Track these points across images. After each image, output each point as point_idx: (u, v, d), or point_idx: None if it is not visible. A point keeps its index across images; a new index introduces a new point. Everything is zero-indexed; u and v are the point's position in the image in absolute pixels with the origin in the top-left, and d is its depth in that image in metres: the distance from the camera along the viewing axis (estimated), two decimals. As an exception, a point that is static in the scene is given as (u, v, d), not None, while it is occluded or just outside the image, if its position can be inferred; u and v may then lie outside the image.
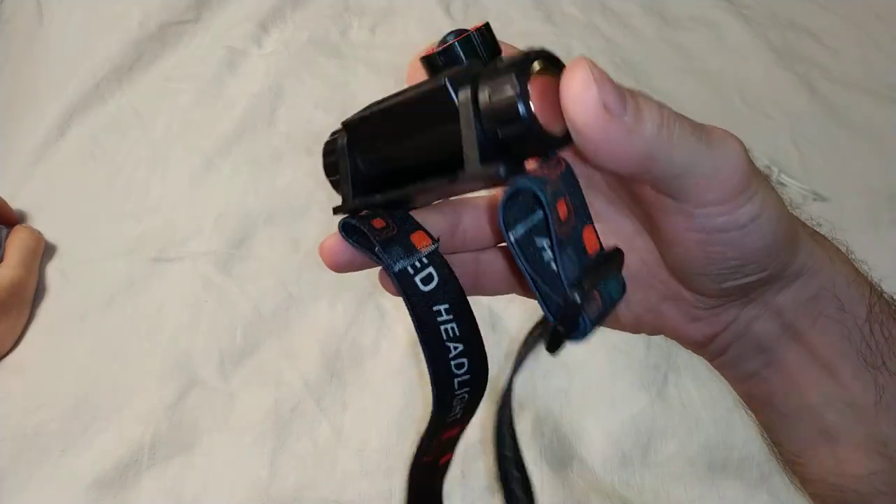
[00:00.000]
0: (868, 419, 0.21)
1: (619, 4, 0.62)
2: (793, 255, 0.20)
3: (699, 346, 0.24)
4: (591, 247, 0.19)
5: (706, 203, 0.18)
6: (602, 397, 0.39)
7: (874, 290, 0.22)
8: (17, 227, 0.43)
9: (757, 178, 0.18)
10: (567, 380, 0.39)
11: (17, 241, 0.42)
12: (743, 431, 0.37)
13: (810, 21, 0.61)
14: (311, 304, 0.41)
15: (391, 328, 0.41)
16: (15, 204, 0.46)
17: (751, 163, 0.19)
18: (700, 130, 0.17)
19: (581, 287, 0.18)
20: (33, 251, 0.42)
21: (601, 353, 0.40)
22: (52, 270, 0.44)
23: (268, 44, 0.58)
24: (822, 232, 0.24)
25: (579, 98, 0.15)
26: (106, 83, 0.54)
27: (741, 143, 0.19)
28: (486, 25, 0.20)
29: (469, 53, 0.19)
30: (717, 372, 0.40)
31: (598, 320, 0.19)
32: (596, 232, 0.19)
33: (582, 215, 0.18)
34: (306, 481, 0.35)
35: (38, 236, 0.43)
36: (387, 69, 0.56)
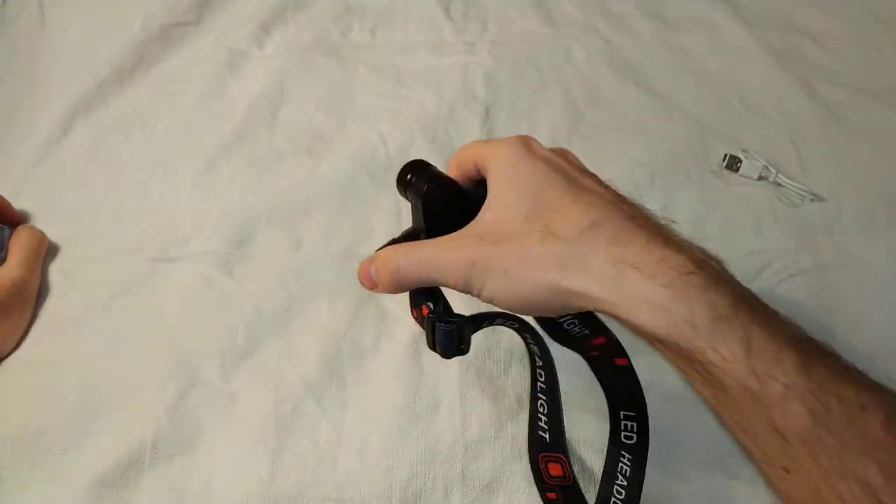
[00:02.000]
0: (722, 419, 0.24)
1: (618, 6, 0.62)
2: (575, 297, 0.24)
3: None
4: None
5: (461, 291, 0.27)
6: (601, 396, 0.39)
7: (674, 313, 0.23)
8: (20, 228, 0.44)
9: (476, 280, 0.26)
10: (566, 378, 0.39)
11: (19, 241, 0.42)
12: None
13: (810, 23, 0.61)
14: (312, 304, 0.42)
15: (391, 328, 0.41)
16: (17, 204, 0.46)
17: (468, 278, 0.26)
18: (425, 262, 0.27)
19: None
20: (36, 251, 0.43)
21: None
22: (54, 270, 0.44)
23: (269, 45, 0.58)
24: None
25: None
26: (108, 84, 0.54)
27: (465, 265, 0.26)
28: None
29: None
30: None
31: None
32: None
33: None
34: (307, 480, 0.35)
35: (40, 236, 0.44)
36: (387, 70, 0.56)
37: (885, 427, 0.20)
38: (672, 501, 0.36)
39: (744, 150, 0.50)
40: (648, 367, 0.39)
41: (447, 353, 0.29)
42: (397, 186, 0.31)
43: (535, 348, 0.32)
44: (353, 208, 0.47)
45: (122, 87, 0.54)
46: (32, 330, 0.41)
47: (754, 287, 0.44)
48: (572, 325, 0.31)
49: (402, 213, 0.47)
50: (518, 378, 0.39)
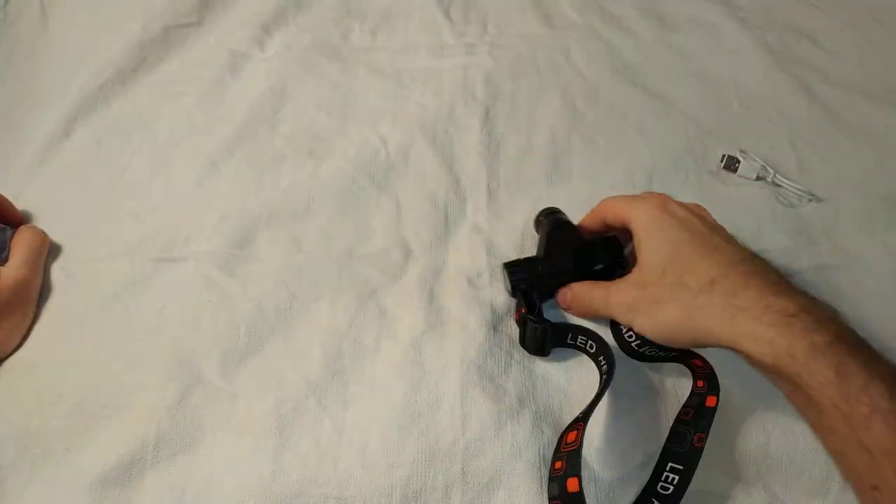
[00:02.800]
0: (819, 437, 0.29)
1: (617, 7, 0.63)
2: (700, 333, 0.32)
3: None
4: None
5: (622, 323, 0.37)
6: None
7: (777, 346, 0.29)
8: (22, 228, 0.44)
9: (631, 316, 0.35)
10: (566, 378, 0.39)
11: (21, 241, 0.42)
12: (740, 429, 0.37)
13: (808, 24, 0.62)
14: (313, 304, 0.42)
15: (392, 328, 0.41)
16: (19, 204, 0.46)
17: (627, 314, 0.36)
18: (603, 300, 0.38)
19: None
20: (38, 251, 0.43)
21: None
22: (56, 270, 0.44)
23: (270, 47, 0.59)
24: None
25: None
26: (110, 85, 0.54)
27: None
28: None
29: None
30: (714, 370, 0.40)
31: None
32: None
33: None
34: (308, 479, 0.35)
35: (42, 236, 0.44)
36: (388, 71, 0.57)
37: None
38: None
39: (742, 151, 0.50)
40: (650, 365, 0.40)
41: (530, 348, 0.39)
42: (534, 223, 0.45)
43: (605, 367, 0.38)
44: (354, 209, 0.47)
45: (124, 87, 0.55)
46: (34, 330, 0.41)
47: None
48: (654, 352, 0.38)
49: (401, 213, 0.47)
50: (518, 377, 0.39)
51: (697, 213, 0.36)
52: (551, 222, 0.42)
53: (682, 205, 0.36)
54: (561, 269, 0.41)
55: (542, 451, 0.36)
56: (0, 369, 0.39)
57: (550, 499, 0.34)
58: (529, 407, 0.38)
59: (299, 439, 0.37)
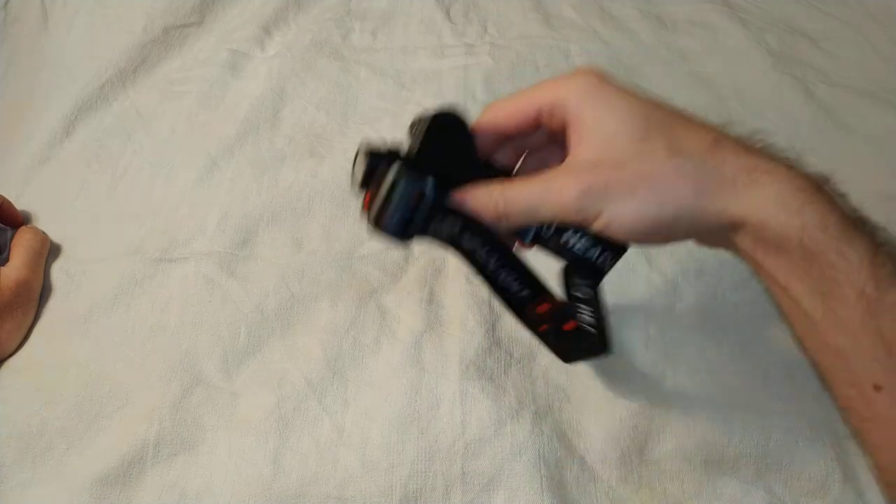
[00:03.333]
0: (820, 332, 0.24)
1: (617, 8, 0.63)
2: (709, 215, 0.25)
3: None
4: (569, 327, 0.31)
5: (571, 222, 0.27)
6: (600, 395, 0.39)
7: (807, 225, 0.24)
8: (23, 228, 0.44)
9: (592, 207, 0.25)
10: (566, 378, 0.39)
11: (22, 242, 0.42)
12: (740, 429, 0.37)
13: (808, 24, 0.62)
14: (313, 304, 0.42)
15: (392, 327, 0.41)
16: (20, 204, 0.46)
17: (583, 206, 0.26)
18: (532, 198, 0.27)
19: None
20: (38, 251, 0.43)
21: (600, 352, 0.40)
22: (57, 271, 0.44)
23: (270, 47, 0.59)
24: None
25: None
26: (110, 85, 0.54)
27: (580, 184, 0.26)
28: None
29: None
30: (714, 371, 0.40)
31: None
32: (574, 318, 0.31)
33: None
34: (308, 478, 0.35)
35: (42, 237, 0.44)
36: (388, 72, 0.57)
37: None
38: (671, 501, 0.36)
39: (742, 151, 0.50)
40: (650, 365, 0.40)
41: (387, 222, 0.28)
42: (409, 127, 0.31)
43: (479, 239, 0.30)
44: (355, 209, 0.47)
45: (125, 87, 0.55)
46: (35, 330, 0.41)
47: (753, 287, 0.44)
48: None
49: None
50: (518, 377, 0.39)
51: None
52: (437, 113, 0.29)
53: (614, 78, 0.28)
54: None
55: (541, 451, 0.36)
56: (0, 369, 0.39)
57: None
58: (529, 407, 0.38)
59: (299, 439, 0.37)
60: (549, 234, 0.30)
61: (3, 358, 0.40)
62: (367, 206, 0.28)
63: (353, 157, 0.30)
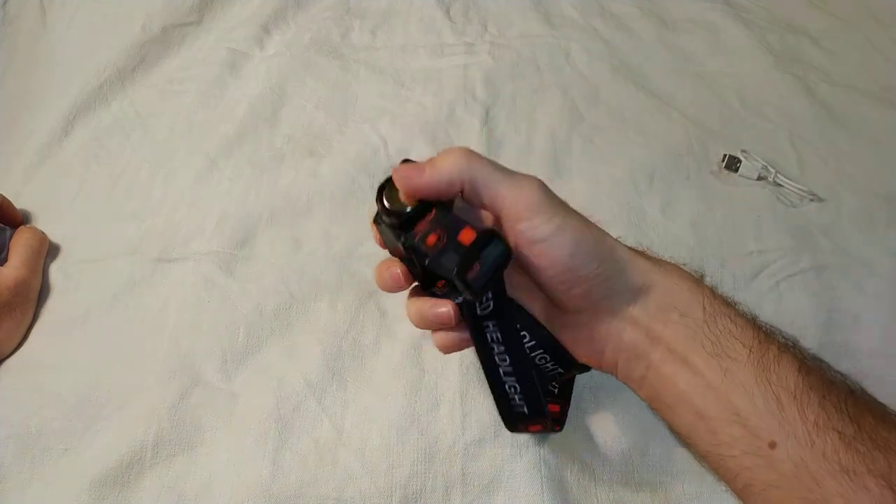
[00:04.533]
0: (721, 396, 0.27)
1: (617, 7, 0.62)
2: (615, 270, 0.28)
3: (601, 366, 0.31)
4: (467, 239, 0.27)
5: (518, 219, 0.28)
6: (601, 396, 0.39)
7: (706, 295, 0.28)
8: (21, 228, 0.44)
9: (555, 208, 0.28)
10: (566, 379, 0.39)
11: (21, 242, 0.42)
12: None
13: (809, 24, 0.62)
14: (313, 304, 0.42)
15: (391, 328, 0.41)
16: (19, 204, 0.46)
17: (549, 196, 0.28)
18: (505, 171, 0.29)
19: (461, 269, 0.26)
20: (37, 251, 0.43)
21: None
22: (56, 270, 0.44)
23: (270, 46, 0.58)
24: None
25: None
26: (109, 85, 0.54)
27: (540, 182, 0.28)
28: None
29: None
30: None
31: (487, 278, 0.27)
32: (472, 226, 0.27)
33: (455, 226, 0.27)
34: (308, 479, 0.35)
35: (41, 236, 0.44)
36: (387, 71, 0.56)
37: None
38: (672, 502, 0.36)
39: (743, 151, 0.50)
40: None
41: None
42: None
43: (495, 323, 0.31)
44: (354, 209, 0.47)
45: (124, 87, 0.55)
46: (34, 330, 0.41)
47: (753, 287, 0.44)
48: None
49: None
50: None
51: None
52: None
53: None
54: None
55: (542, 452, 0.36)
56: (0, 369, 0.39)
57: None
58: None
59: (298, 439, 0.37)
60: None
61: (2, 358, 0.40)
62: (431, 247, 0.28)
63: (380, 184, 0.31)
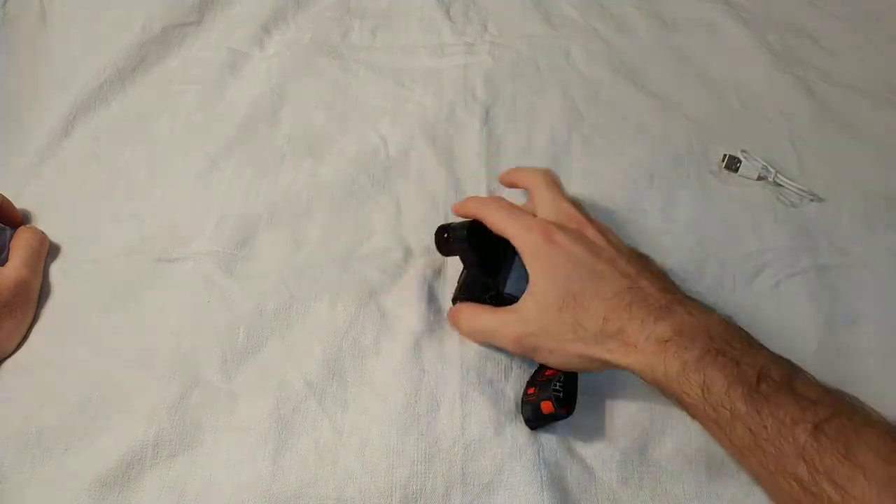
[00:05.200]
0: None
1: (617, 7, 0.62)
2: (602, 365, 0.35)
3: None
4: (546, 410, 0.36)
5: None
6: (601, 397, 0.39)
7: (661, 372, 0.32)
8: (22, 228, 0.44)
9: (527, 353, 0.38)
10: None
11: (21, 242, 0.42)
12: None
13: (809, 23, 0.62)
14: (313, 304, 0.42)
15: (391, 328, 0.41)
16: (18, 204, 0.46)
17: (519, 349, 0.38)
18: (485, 333, 0.40)
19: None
20: (37, 251, 0.43)
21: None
22: (55, 270, 0.44)
23: (270, 46, 0.58)
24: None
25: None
26: (109, 85, 0.54)
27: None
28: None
29: None
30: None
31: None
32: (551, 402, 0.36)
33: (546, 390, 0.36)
34: (308, 479, 0.35)
35: (41, 237, 0.44)
36: (387, 71, 0.56)
37: (812, 434, 0.27)
38: (672, 502, 0.36)
39: (743, 151, 0.50)
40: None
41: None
42: (439, 249, 0.41)
43: None
44: (354, 208, 0.47)
45: (124, 87, 0.55)
46: (34, 330, 0.41)
47: (753, 287, 0.44)
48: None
49: (401, 213, 0.47)
50: (517, 381, 0.39)
51: (580, 236, 0.37)
52: (461, 226, 0.40)
53: (565, 231, 0.37)
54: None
55: (541, 452, 0.36)
56: (0, 369, 0.39)
57: (525, 420, 0.37)
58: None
59: (299, 440, 0.37)
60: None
61: (2, 358, 0.40)
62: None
63: (439, 228, 0.41)
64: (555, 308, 0.35)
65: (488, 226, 0.39)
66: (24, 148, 0.51)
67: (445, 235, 0.40)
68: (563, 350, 0.35)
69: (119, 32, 0.57)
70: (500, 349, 0.40)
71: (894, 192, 0.49)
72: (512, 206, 0.39)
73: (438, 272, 0.44)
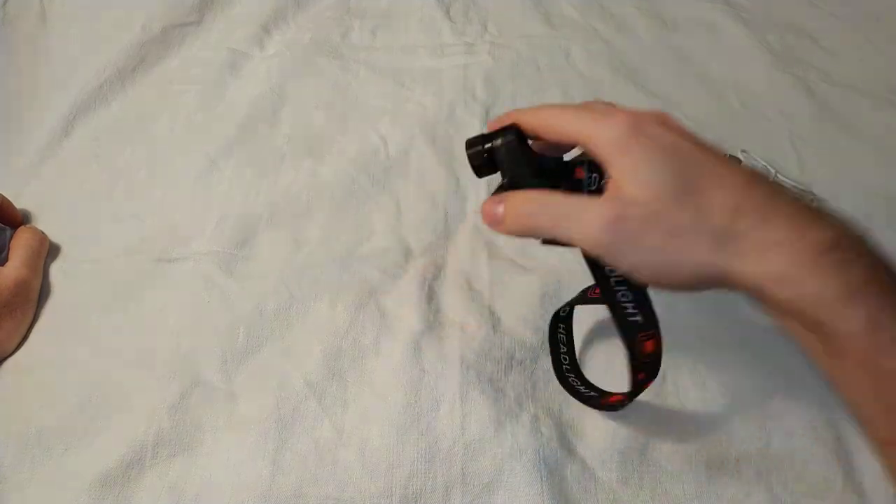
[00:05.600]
0: (835, 384, 0.26)
1: (617, 7, 0.62)
2: (726, 278, 0.26)
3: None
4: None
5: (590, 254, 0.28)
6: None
7: (809, 287, 0.25)
8: (22, 228, 0.44)
9: (618, 250, 0.27)
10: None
11: (21, 242, 0.42)
12: (740, 430, 0.37)
13: (809, 23, 0.62)
14: (312, 304, 0.42)
15: (391, 328, 0.41)
16: (18, 204, 0.46)
17: (608, 244, 0.27)
18: (562, 214, 0.28)
19: None
20: (37, 251, 0.43)
21: (599, 352, 0.40)
22: (55, 270, 0.44)
23: (270, 46, 0.58)
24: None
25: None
26: (109, 85, 0.54)
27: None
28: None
29: None
30: (715, 370, 0.40)
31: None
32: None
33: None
34: (308, 479, 0.35)
35: (41, 237, 0.44)
36: (387, 71, 0.56)
37: None
38: (671, 502, 0.36)
39: (743, 151, 0.50)
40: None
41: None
42: (475, 163, 0.32)
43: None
44: (354, 208, 0.47)
45: (124, 87, 0.55)
46: (34, 330, 0.41)
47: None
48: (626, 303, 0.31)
49: (401, 213, 0.47)
50: (518, 379, 0.39)
51: (673, 127, 0.28)
52: (504, 131, 0.32)
53: (650, 121, 0.28)
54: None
55: (541, 452, 0.36)
56: (0, 369, 0.39)
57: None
58: (528, 409, 0.38)
59: (298, 439, 0.37)
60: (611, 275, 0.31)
61: (2, 358, 0.40)
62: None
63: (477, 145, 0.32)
64: (669, 194, 0.26)
65: (542, 132, 0.30)
66: (24, 148, 0.51)
67: (485, 145, 0.31)
68: (674, 250, 0.26)
69: (119, 32, 0.57)
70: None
71: (894, 191, 0.49)
72: (569, 104, 0.31)
73: (439, 272, 0.44)
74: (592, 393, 0.37)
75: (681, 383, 0.39)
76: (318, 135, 0.52)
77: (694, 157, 0.27)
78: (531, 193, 0.29)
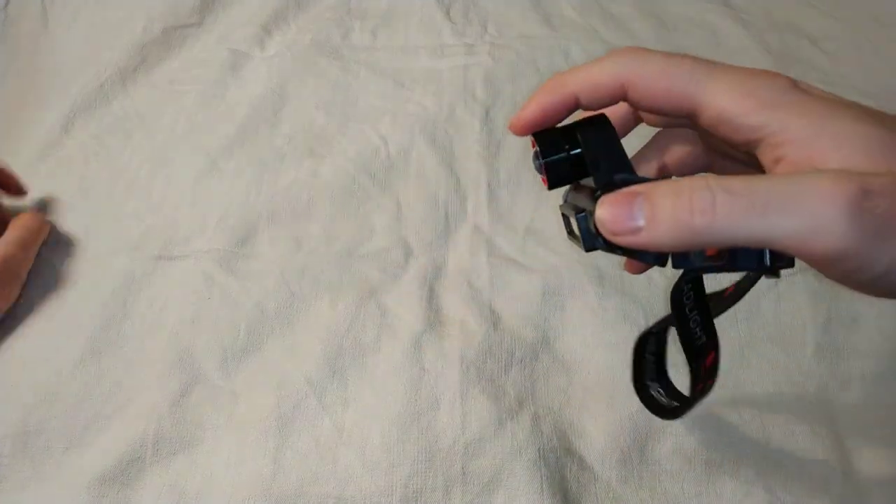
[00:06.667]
0: None
1: (617, 8, 0.63)
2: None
3: None
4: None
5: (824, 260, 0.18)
6: (601, 396, 0.39)
7: None
8: (24, 213, 0.44)
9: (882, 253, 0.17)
10: (566, 379, 0.39)
11: (19, 223, 0.43)
12: (740, 429, 0.37)
13: (808, 24, 0.62)
14: (313, 303, 0.42)
15: (392, 326, 0.41)
16: (19, 203, 0.46)
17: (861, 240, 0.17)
18: (769, 197, 0.18)
19: None
20: (35, 232, 0.43)
21: (600, 351, 0.40)
22: (56, 269, 0.44)
23: (270, 46, 0.59)
24: None
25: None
26: (110, 85, 0.54)
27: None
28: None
29: None
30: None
31: None
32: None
33: None
34: (308, 478, 0.35)
35: (42, 221, 0.44)
36: (387, 71, 0.57)
37: None
38: (671, 501, 0.36)
39: (743, 151, 0.50)
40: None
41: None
42: (550, 157, 0.25)
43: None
44: (354, 208, 0.47)
45: (125, 87, 0.55)
46: (33, 328, 0.41)
47: (754, 288, 0.44)
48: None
49: (401, 213, 0.47)
50: (519, 378, 0.39)
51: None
52: (587, 122, 0.26)
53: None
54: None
55: (542, 451, 0.36)
56: None
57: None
58: (529, 408, 0.38)
59: (299, 438, 0.37)
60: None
61: None
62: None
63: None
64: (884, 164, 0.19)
65: (655, 102, 0.23)
66: (24, 147, 0.51)
67: (569, 150, 0.25)
68: None
69: (120, 33, 0.57)
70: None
71: (894, 192, 0.49)
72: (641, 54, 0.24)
73: (439, 271, 0.44)
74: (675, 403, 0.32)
75: (680, 383, 0.39)
76: (319, 135, 0.52)
77: (878, 112, 0.21)
78: (697, 181, 0.20)
